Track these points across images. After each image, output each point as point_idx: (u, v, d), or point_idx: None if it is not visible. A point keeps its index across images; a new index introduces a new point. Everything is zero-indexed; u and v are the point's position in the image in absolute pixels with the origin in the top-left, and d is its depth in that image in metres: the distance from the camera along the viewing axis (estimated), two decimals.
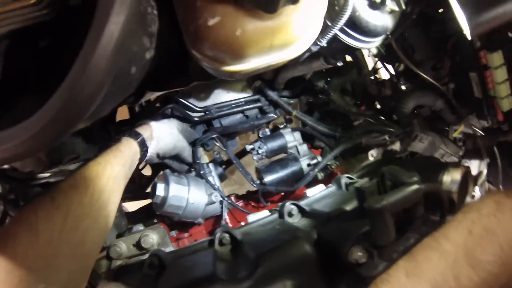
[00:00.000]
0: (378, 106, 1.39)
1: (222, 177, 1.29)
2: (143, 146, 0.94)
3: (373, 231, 0.63)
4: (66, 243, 0.58)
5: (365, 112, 1.31)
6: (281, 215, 0.87)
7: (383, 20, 0.80)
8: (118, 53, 0.41)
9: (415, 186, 0.65)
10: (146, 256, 0.96)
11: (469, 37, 0.88)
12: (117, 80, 0.46)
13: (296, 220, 0.86)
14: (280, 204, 0.90)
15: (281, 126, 1.30)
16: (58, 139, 0.42)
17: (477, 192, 1.23)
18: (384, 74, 1.54)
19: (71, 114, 0.40)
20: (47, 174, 0.95)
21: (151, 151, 0.98)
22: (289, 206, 0.86)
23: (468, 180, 0.88)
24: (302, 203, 0.88)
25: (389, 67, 1.37)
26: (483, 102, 1.10)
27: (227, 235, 0.83)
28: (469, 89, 1.12)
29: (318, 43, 0.79)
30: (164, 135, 1.01)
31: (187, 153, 1.14)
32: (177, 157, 1.15)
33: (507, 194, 0.62)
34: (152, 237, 0.96)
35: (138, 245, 0.96)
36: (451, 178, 0.85)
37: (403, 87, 1.32)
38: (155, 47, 0.63)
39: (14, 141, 0.42)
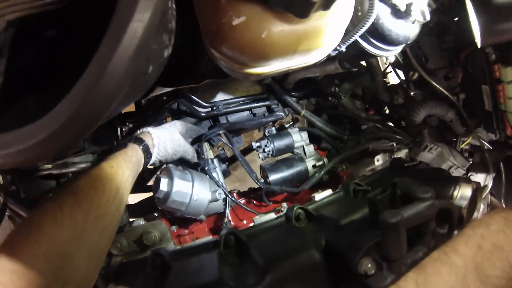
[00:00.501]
0: (387, 112, 1.38)
1: (225, 174, 1.28)
2: (148, 153, 0.96)
3: (386, 244, 0.62)
4: (85, 242, 0.58)
5: (375, 117, 1.29)
6: (288, 219, 0.85)
7: (406, 29, 0.78)
8: (143, 53, 0.38)
9: (430, 202, 0.64)
10: (147, 253, 0.95)
11: (479, 45, 0.87)
12: (134, 80, 0.44)
13: (303, 224, 0.84)
14: (287, 207, 0.88)
15: (287, 125, 1.28)
16: (67, 148, 0.39)
17: (480, 205, 1.23)
18: (392, 79, 1.53)
19: (85, 120, 0.36)
20: (50, 166, 0.93)
21: (154, 158, 0.99)
22: (296, 210, 0.84)
23: (477, 197, 0.87)
24: (310, 208, 0.86)
25: (399, 72, 1.36)
26: (493, 115, 1.10)
27: (232, 237, 0.81)
28: (479, 101, 1.12)
29: (338, 48, 0.77)
30: (163, 141, 1.02)
31: (190, 156, 1.14)
32: (181, 160, 1.15)
33: None
34: (154, 234, 0.95)
35: (139, 241, 0.94)
36: (462, 194, 0.84)
37: (411, 93, 1.31)
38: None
39: (19, 145, 0.39)
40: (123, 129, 1.30)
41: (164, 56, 0.56)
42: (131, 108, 1.25)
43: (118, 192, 0.69)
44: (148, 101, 1.25)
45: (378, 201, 0.70)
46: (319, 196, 0.93)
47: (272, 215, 0.90)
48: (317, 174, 1.14)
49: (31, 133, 0.40)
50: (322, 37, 0.60)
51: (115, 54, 0.36)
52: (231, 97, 1.24)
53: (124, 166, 0.77)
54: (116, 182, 0.69)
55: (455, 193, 0.85)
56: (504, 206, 1.30)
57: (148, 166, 1.02)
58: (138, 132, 1.03)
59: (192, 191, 1.05)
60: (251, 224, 0.96)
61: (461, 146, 1.24)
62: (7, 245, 0.52)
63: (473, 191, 0.85)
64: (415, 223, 0.63)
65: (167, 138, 1.04)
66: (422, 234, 0.69)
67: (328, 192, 0.95)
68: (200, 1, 0.62)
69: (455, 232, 0.73)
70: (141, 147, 0.94)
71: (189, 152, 1.13)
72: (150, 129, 1.02)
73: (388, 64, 1.36)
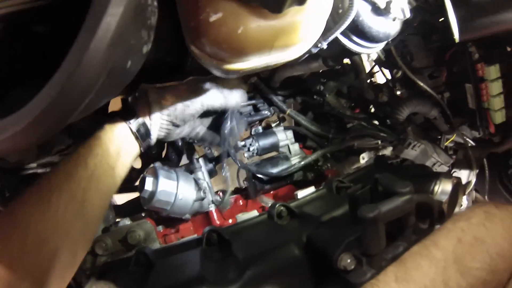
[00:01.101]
0: (373, 110, 1.39)
1: (212, 173, 1.28)
2: (144, 134, 0.78)
3: (365, 239, 0.63)
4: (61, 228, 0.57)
5: (359, 115, 1.30)
6: (270, 216, 0.86)
7: (386, 26, 0.79)
8: (115, 46, 0.39)
9: (408, 196, 0.64)
10: (132, 253, 0.95)
11: (457, 40, 0.89)
12: (112, 74, 0.44)
13: (286, 222, 0.85)
14: (270, 205, 0.89)
15: (274, 125, 1.29)
16: (46, 134, 0.40)
17: (464, 201, 1.25)
18: (380, 78, 1.54)
19: (62, 109, 0.37)
20: (35, 165, 0.92)
21: (156, 133, 0.80)
22: (278, 207, 0.85)
23: (458, 191, 0.89)
24: (292, 205, 0.87)
25: (386, 71, 1.38)
26: (477, 113, 1.12)
27: (215, 235, 0.82)
28: (463, 99, 1.13)
29: (319, 45, 0.77)
30: (179, 108, 0.80)
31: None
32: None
33: (496, 205, 0.64)
34: (139, 233, 0.95)
35: (124, 241, 0.94)
36: (442, 189, 0.85)
37: (398, 93, 1.33)
38: (153, 40, 0.61)
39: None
40: None
41: (143, 52, 0.56)
42: (118, 106, 1.24)
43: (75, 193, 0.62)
44: (135, 98, 1.24)
45: (357, 196, 0.70)
46: (301, 193, 0.93)
47: (255, 212, 0.90)
48: (297, 164, 1.14)
49: (10, 124, 0.40)
50: (299, 33, 0.60)
51: (91, 46, 0.36)
52: None
53: (87, 155, 0.66)
54: (74, 178, 0.62)
55: (436, 188, 0.86)
56: (487, 201, 1.32)
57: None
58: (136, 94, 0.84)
59: (177, 191, 1.04)
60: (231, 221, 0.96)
61: (445, 144, 1.26)
62: None
63: (454, 186, 0.86)
64: (394, 217, 0.64)
65: (184, 106, 0.81)
66: (402, 228, 0.69)
67: (311, 189, 0.96)
68: None
69: (436, 226, 0.74)
70: (130, 125, 0.76)
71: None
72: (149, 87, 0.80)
73: (373, 63, 1.38)
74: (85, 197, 0.62)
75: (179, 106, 0.81)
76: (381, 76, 1.43)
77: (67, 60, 0.35)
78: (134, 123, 0.76)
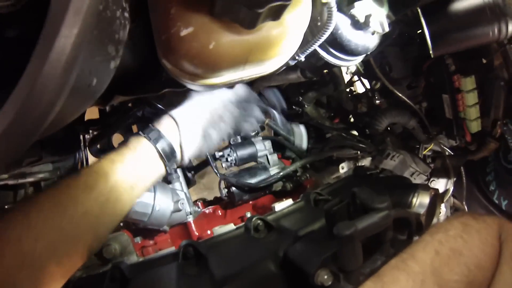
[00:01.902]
0: (352, 120, 1.39)
1: (190, 183, 1.26)
2: (167, 153, 0.75)
3: (341, 256, 0.62)
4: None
5: (338, 126, 1.30)
6: (247, 229, 0.84)
7: (365, 40, 0.78)
8: (72, 69, 0.36)
9: (385, 213, 0.64)
10: (108, 267, 0.92)
11: (432, 55, 0.93)
12: (76, 93, 0.42)
13: (263, 235, 0.83)
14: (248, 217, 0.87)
15: (252, 134, 1.27)
16: (6, 157, 0.38)
17: (443, 208, 1.26)
18: (359, 88, 1.55)
19: (17, 137, 0.35)
20: (6, 176, 0.89)
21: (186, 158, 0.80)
22: (255, 221, 0.83)
23: (436, 203, 0.89)
24: (269, 218, 0.86)
25: (365, 81, 1.38)
26: (453, 123, 1.13)
27: (191, 249, 0.80)
28: (441, 109, 1.15)
29: (296, 57, 0.77)
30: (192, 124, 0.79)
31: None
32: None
33: (474, 216, 0.64)
34: (114, 247, 0.92)
35: (99, 254, 0.91)
36: (420, 201, 0.85)
37: (377, 102, 1.34)
38: (128, 51, 0.59)
39: None
40: (86, 137, 1.26)
41: (111, 67, 0.54)
42: (95, 115, 1.21)
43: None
44: (112, 107, 1.22)
45: (334, 212, 0.69)
46: (279, 206, 0.92)
47: (232, 226, 0.89)
48: (276, 175, 1.13)
49: None
50: (275, 48, 0.59)
51: (43, 71, 0.34)
52: None
53: (110, 171, 0.65)
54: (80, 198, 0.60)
55: (414, 200, 0.86)
56: (466, 208, 1.34)
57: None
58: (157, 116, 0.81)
59: (154, 202, 1.02)
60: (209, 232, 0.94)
61: (424, 153, 1.27)
62: None
63: (431, 198, 0.86)
64: (371, 234, 0.63)
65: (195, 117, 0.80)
66: (380, 242, 0.69)
67: (289, 202, 0.94)
68: (153, 12, 0.60)
69: (415, 238, 0.74)
70: (153, 145, 0.73)
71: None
72: (171, 110, 0.78)
73: (352, 74, 1.38)
74: (100, 212, 0.61)
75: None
76: (361, 86, 1.44)
77: (19, 87, 0.33)
78: (160, 144, 0.74)
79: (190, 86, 0.67)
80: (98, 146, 1.10)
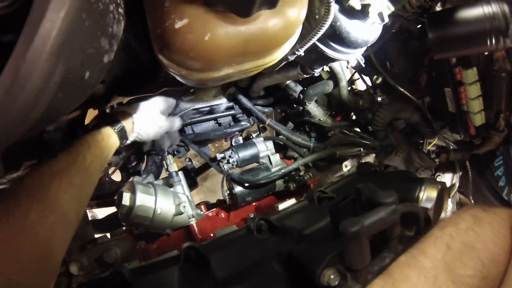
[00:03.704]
0: (354, 117, 1.37)
1: (193, 185, 1.24)
2: (123, 138, 0.91)
3: (348, 254, 0.59)
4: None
5: (340, 123, 1.28)
6: (249, 231, 0.82)
7: (364, 32, 0.77)
8: (60, 55, 0.35)
9: (393, 207, 0.62)
10: (109, 272, 0.90)
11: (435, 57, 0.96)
12: (67, 86, 0.40)
13: (266, 236, 0.81)
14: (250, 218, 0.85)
15: (254, 135, 1.26)
16: None
17: (449, 203, 1.23)
18: (360, 85, 1.53)
19: (3, 127, 0.33)
20: (5, 180, 0.87)
21: (129, 142, 0.96)
22: (258, 221, 0.81)
23: (443, 197, 0.87)
24: (273, 218, 0.83)
25: (366, 78, 1.37)
26: (457, 117, 1.11)
27: (193, 252, 0.78)
28: (443, 103, 1.13)
29: (296, 51, 0.75)
30: (145, 127, 0.97)
31: (174, 129, 1.11)
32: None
33: (484, 209, 0.62)
34: (116, 252, 0.90)
35: (100, 260, 0.89)
36: (427, 196, 0.83)
37: (379, 99, 1.32)
38: (118, 49, 0.58)
39: None
40: None
41: (104, 62, 0.53)
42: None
43: (73, 182, 0.68)
44: (112, 109, 1.20)
45: (339, 209, 0.67)
46: (282, 205, 0.90)
47: (234, 227, 0.87)
48: (277, 173, 1.12)
49: None
50: (272, 39, 0.57)
51: (27, 56, 0.33)
52: (196, 106, 1.20)
53: (87, 153, 0.76)
54: (71, 171, 0.69)
55: (421, 195, 0.83)
56: (472, 203, 1.31)
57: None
58: (117, 108, 0.98)
59: (155, 205, 1.01)
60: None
61: (428, 148, 1.25)
62: None
63: (439, 192, 0.84)
64: (378, 230, 0.61)
65: (150, 123, 0.99)
66: (388, 239, 0.66)
67: (292, 201, 0.92)
68: (148, 6, 0.59)
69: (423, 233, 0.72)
70: (115, 130, 0.88)
71: (172, 127, 1.08)
72: (134, 116, 0.94)
73: (353, 70, 1.37)
74: (81, 182, 0.71)
75: (151, 134, 1.01)
76: (362, 83, 1.42)
77: (3, 75, 0.31)
78: (117, 127, 0.89)
79: (186, 82, 0.65)
80: None
